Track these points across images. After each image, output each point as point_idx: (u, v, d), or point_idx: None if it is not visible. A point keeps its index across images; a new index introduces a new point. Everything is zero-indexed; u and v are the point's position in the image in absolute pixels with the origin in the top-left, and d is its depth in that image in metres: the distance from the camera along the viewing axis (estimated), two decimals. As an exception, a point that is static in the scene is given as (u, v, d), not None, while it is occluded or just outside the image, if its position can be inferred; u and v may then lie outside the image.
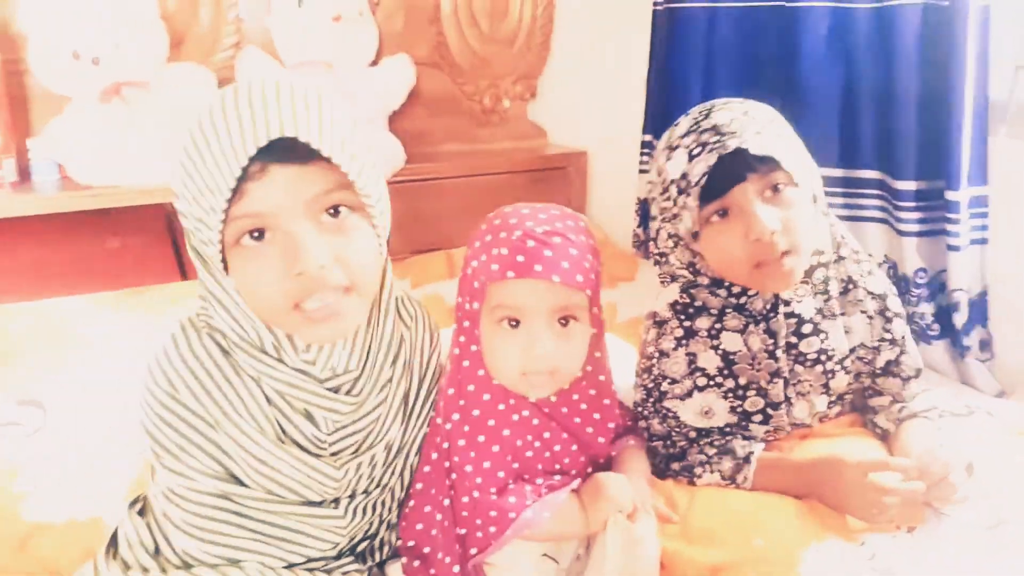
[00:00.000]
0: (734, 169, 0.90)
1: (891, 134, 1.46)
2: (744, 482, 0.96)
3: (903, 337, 1.04)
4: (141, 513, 0.88)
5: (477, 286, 0.88)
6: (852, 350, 1.02)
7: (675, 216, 0.97)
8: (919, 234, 1.46)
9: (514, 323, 0.87)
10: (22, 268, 1.75)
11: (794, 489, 0.93)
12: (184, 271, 1.90)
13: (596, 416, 0.96)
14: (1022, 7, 1.38)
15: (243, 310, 0.79)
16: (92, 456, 1.25)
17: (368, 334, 0.86)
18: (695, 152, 0.92)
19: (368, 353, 0.87)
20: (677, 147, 0.95)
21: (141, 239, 1.89)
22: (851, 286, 1.02)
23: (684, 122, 0.97)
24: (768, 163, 0.90)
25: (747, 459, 0.96)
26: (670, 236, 0.99)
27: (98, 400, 1.41)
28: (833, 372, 1.01)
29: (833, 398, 1.03)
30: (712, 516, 0.90)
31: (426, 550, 0.91)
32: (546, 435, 0.94)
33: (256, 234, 0.74)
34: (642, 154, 2.12)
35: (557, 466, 0.95)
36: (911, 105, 1.42)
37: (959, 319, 1.40)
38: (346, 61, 1.98)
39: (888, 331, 1.03)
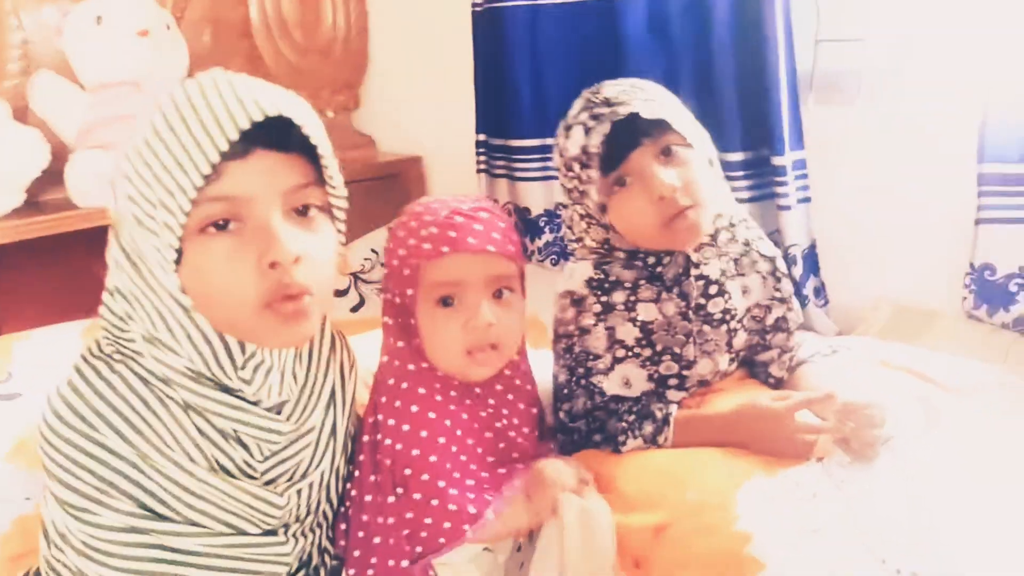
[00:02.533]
0: (629, 136, 0.96)
1: (716, 112, 1.58)
2: (665, 442, 0.99)
3: (790, 295, 1.12)
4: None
5: (408, 273, 0.88)
6: (748, 309, 1.09)
7: (582, 194, 1.00)
8: (751, 200, 1.59)
9: (450, 302, 0.87)
10: None
11: (716, 441, 0.97)
12: (-4, 326, 1.68)
13: (521, 407, 0.97)
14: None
15: (182, 317, 0.71)
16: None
17: (307, 353, 0.82)
18: (590, 125, 0.97)
19: (307, 374, 0.82)
20: (572, 126, 0.99)
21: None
22: (747, 248, 1.09)
23: (577, 103, 1.01)
24: (660, 127, 0.96)
25: (666, 420, 1.00)
26: (581, 217, 1.03)
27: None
28: (735, 331, 1.07)
29: (734, 355, 1.09)
30: (641, 480, 0.93)
31: (373, 560, 0.87)
32: (498, 424, 0.94)
33: (221, 223, 0.69)
34: (478, 154, 2.15)
35: (515, 454, 0.95)
36: (731, 83, 1.55)
37: (796, 271, 1.54)
38: (156, 79, 1.83)
39: (778, 290, 1.11)
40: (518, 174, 2.01)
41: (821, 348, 1.18)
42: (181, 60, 1.91)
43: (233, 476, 0.77)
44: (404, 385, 0.90)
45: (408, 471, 0.87)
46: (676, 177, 0.96)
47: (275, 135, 0.70)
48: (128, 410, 0.72)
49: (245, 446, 0.78)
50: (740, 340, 1.09)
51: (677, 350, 1.04)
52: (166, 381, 0.74)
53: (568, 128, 1.00)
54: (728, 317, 1.06)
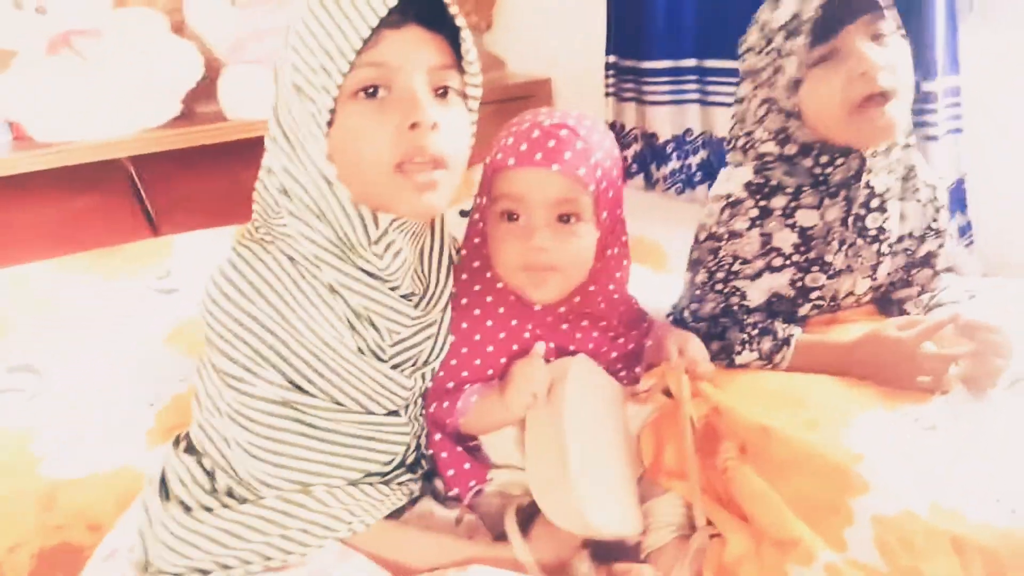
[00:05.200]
0: (846, 9, 0.91)
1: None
2: (781, 362, 0.98)
3: (946, 229, 1.05)
4: (188, 451, 0.86)
5: (483, 179, 0.88)
6: (901, 237, 1.04)
7: (776, 70, 0.96)
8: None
9: (514, 217, 0.87)
10: (-15, 235, 1.66)
11: (836, 369, 0.95)
12: (155, 226, 1.84)
13: (595, 335, 0.95)
14: None
15: (325, 190, 0.77)
16: (100, 411, 1.23)
17: (431, 252, 0.87)
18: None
19: (430, 270, 0.88)
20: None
21: (105, 196, 1.81)
22: (911, 171, 1.03)
23: None
24: (875, 10, 0.91)
25: (787, 341, 0.98)
26: (763, 102, 0.99)
27: (91, 360, 1.38)
28: (884, 256, 1.02)
29: (874, 282, 1.05)
30: (756, 393, 0.93)
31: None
32: (571, 349, 0.94)
33: (371, 90, 0.75)
34: (607, 76, 2.12)
35: None
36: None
37: (940, 207, 1.45)
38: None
39: (936, 221, 1.05)
40: (647, 98, 1.97)
41: (962, 294, 1.10)
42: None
43: (366, 357, 0.84)
44: (477, 288, 0.92)
45: (452, 362, 0.91)
46: (884, 57, 0.91)
47: (427, 13, 0.76)
48: (280, 287, 0.79)
49: (376, 329, 0.84)
50: (885, 268, 1.04)
51: (828, 258, 1.00)
52: (312, 261, 0.80)
53: (776, 0, 0.97)
54: (882, 237, 1.01)
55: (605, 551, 0.89)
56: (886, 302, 1.10)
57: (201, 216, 1.75)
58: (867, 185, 0.99)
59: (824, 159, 0.99)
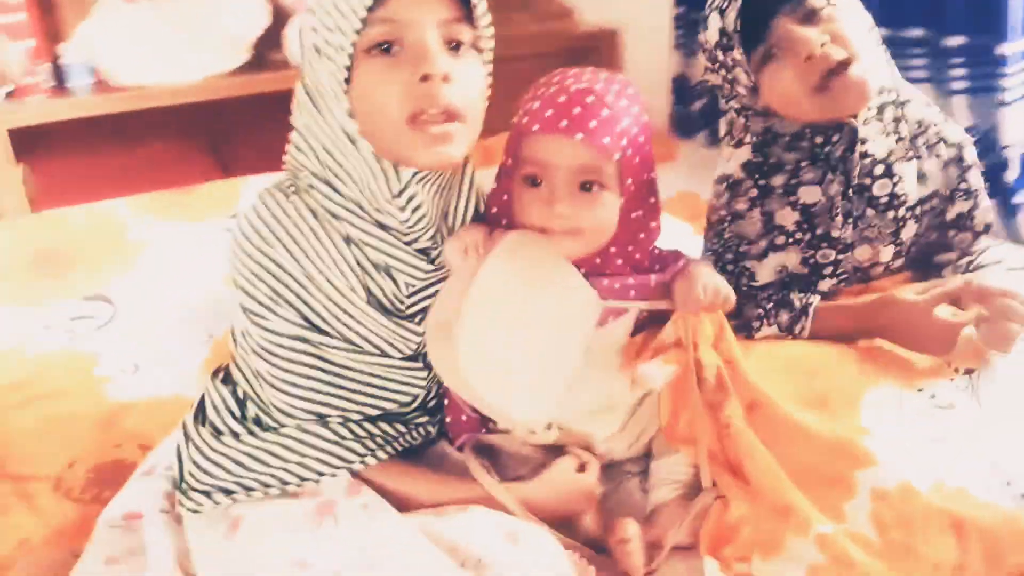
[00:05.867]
0: (764, 5, 0.91)
1: None
2: (801, 332, 0.97)
3: (978, 189, 1.01)
4: (224, 381, 0.93)
5: (510, 141, 0.89)
6: (925, 199, 1.01)
7: (732, 83, 0.97)
8: (966, 91, 1.43)
9: (536, 181, 0.87)
10: (66, 172, 1.78)
11: (853, 331, 0.94)
12: (225, 168, 1.93)
13: (616, 286, 0.94)
14: None
15: (348, 146, 0.80)
16: (163, 341, 1.33)
17: (451, 189, 0.89)
18: (723, 6, 0.94)
19: (452, 221, 0.90)
20: (708, 15, 0.97)
21: (178, 139, 1.91)
22: (922, 128, 1.00)
23: None
24: None
25: (804, 310, 0.98)
26: (738, 111, 1.00)
27: (160, 293, 1.47)
28: (904, 220, 1.00)
29: (900, 248, 1.02)
30: (770, 361, 0.93)
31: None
32: None
33: (385, 46, 0.78)
34: (676, 28, 2.07)
35: None
36: None
37: (1010, 175, 1.39)
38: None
39: (964, 180, 1.01)
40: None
41: (1018, 259, 1.07)
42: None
43: (383, 305, 0.88)
44: None
45: None
46: (822, 33, 0.90)
47: None
48: (298, 234, 0.83)
49: (394, 280, 0.88)
50: (909, 231, 1.01)
51: (835, 233, 0.99)
52: (332, 214, 0.84)
53: (705, 19, 0.97)
54: (896, 203, 0.98)
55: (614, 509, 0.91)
56: (925, 266, 1.07)
57: (269, 159, 1.82)
58: (865, 154, 0.97)
59: (819, 139, 0.98)
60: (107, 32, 1.75)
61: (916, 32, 1.49)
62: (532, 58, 2.25)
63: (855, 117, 0.95)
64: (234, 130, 1.93)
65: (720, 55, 0.96)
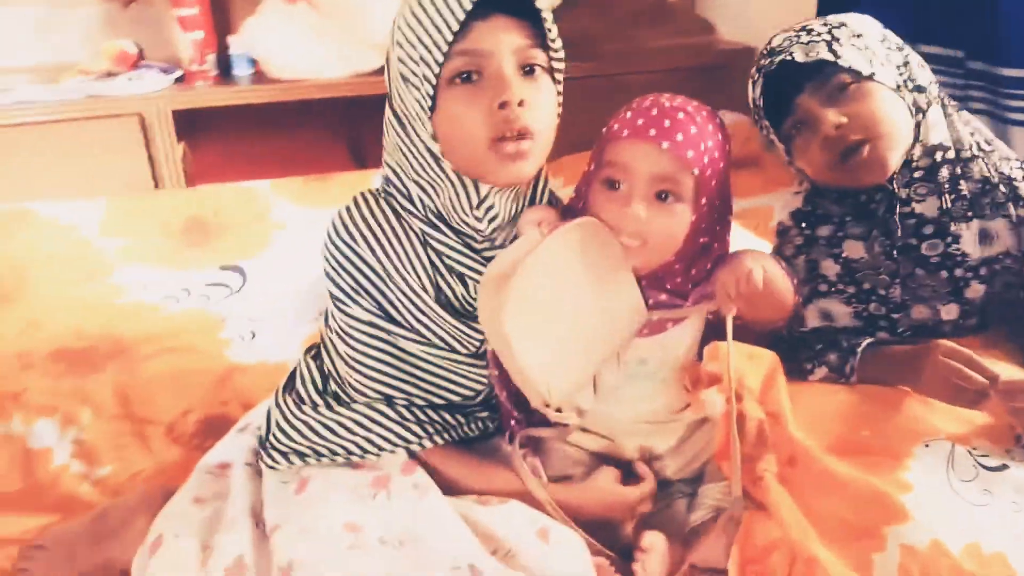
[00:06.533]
0: (788, 83, 0.95)
1: (992, 19, 1.42)
2: (851, 373, 0.97)
3: None
4: (314, 357, 1.04)
5: (597, 148, 0.94)
6: (992, 259, 0.98)
7: (770, 143, 1.02)
8: None
9: (616, 185, 0.90)
10: (222, 153, 1.98)
11: (898, 379, 0.94)
12: (361, 160, 2.07)
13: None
14: None
15: (433, 164, 0.88)
16: (282, 314, 1.47)
17: (532, 198, 0.96)
18: (755, 78, 0.98)
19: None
20: (749, 78, 1.01)
21: (322, 131, 2.08)
22: (988, 187, 0.97)
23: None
24: (822, 68, 0.93)
25: (852, 350, 0.97)
26: (787, 164, 1.04)
27: (286, 271, 1.63)
28: (966, 280, 0.98)
29: (968, 307, 1.00)
30: (821, 407, 0.93)
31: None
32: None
33: (465, 75, 0.85)
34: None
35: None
36: None
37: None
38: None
39: None
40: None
41: None
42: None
43: (452, 305, 0.95)
44: None
45: None
46: (840, 114, 0.92)
47: (510, 2, 0.84)
48: (380, 234, 0.92)
49: (464, 284, 0.95)
50: (975, 291, 0.99)
51: (882, 291, 0.99)
52: (414, 217, 0.93)
53: (748, 79, 1.01)
54: (951, 263, 0.97)
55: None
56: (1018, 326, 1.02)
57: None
58: (911, 214, 0.96)
59: (863, 197, 0.99)
60: (268, 29, 1.93)
61: (976, 65, 1.52)
62: (662, 72, 2.28)
63: (892, 181, 0.96)
64: (370, 126, 2.06)
65: (758, 118, 1.01)
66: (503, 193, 0.91)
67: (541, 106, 0.87)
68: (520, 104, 0.84)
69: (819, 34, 0.95)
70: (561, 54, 0.90)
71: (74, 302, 1.50)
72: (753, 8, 2.27)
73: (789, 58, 0.94)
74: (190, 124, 2.02)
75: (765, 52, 0.98)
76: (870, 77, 0.93)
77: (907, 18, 1.77)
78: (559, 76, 0.90)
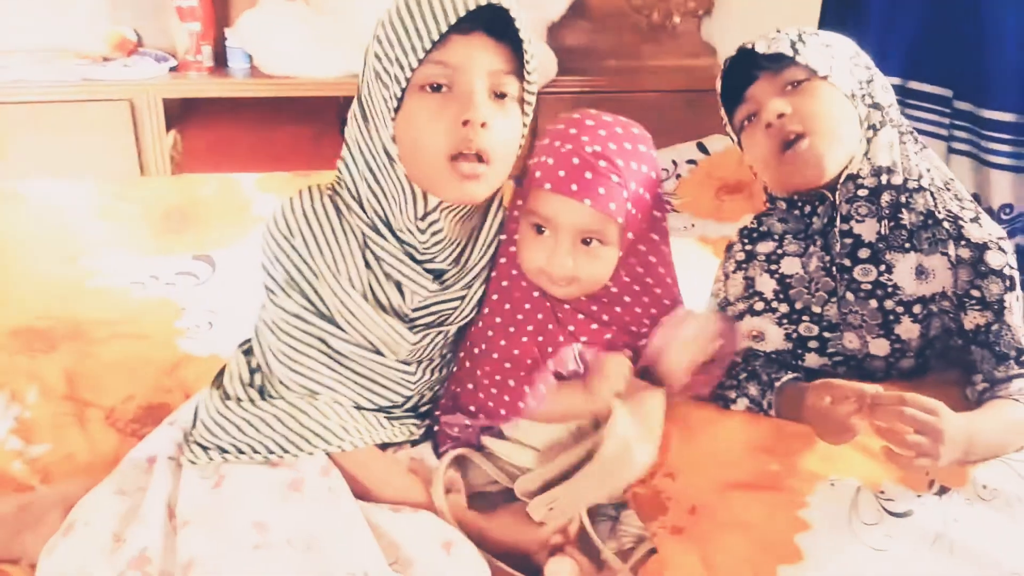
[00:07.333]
0: (745, 71, 0.96)
1: (981, 61, 1.41)
2: (769, 408, 0.96)
3: (999, 303, 0.93)
4: (247, 352, 1.04)
5: (523, 187, 0.94)
6: (930, 298, 0.96)
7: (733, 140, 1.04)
8: (1013, 169, 1.41)
9: (542, 230, 0.93)
10: (212, 143, 2.00)
11: (798, 416, 0.92)
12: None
13: (613, 328, 0.98)
14: None
15: (387, 166, 0.89)
16: (241, 307, 1.46)
17: (473, 228, 0.96)
18: (723, 68, 1.01)
19: (470, 253, 0.98)
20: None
21: (313, 127, 2.09)
22: (930, 222, 0.95)
23: None
24: (780, 60, 0.94)
25: (771, 384, 0.96)
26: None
27: (257, 266, 1.62)
28: (896, 315, 0.96)
29: (901, 345, 0.98)
30: (733, 439, 0.93)
31: (471, 408, 1.00)
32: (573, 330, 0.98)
33: (436, 86, 0.85)
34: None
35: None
36: (1008, 33, 1.37)
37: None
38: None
39: (976, 287, 0.93)
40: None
41: None
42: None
43: (385, 311, 0.95)
44: (504, 284, 0.99)
45: (494, 356, 0.97)
46: (788, 104, 0.93)
47: (495, 24, 0.85)
48: (318, 228, 0.93)
49: (401, 292, 0.95)
50: (907, 329, 0.96)
51: (816, 309, 0.99)
52: (356, 219, 0.93)
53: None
54: (882, 292, 0.95)
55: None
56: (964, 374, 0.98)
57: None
58: (848, 232, 0.96)
59: (807, 208, 0.99)
60: (265, 24, 1.95)
61: (962, 105, 1.51)
62: (659, 92, 2.28)
63: (835, 192, 0.96)
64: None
65: (722, 111, 1.02)
66: (450, 211, 0.92)
67: (503, 132, 0.87)
68: (483, 126, 0.84)
69: (787, 34, 0.96)
70: (535, 87, 0.90)
71: (44, 283, 1.52)
72: (756, 32, 2.26)
73: (750, 47, 0.95)
74: (185, 113, 2.04)
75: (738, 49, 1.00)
76: (824, 77, 0.94)
77: (901, 53, 1.77)
78: (529, 109, 0.90)
